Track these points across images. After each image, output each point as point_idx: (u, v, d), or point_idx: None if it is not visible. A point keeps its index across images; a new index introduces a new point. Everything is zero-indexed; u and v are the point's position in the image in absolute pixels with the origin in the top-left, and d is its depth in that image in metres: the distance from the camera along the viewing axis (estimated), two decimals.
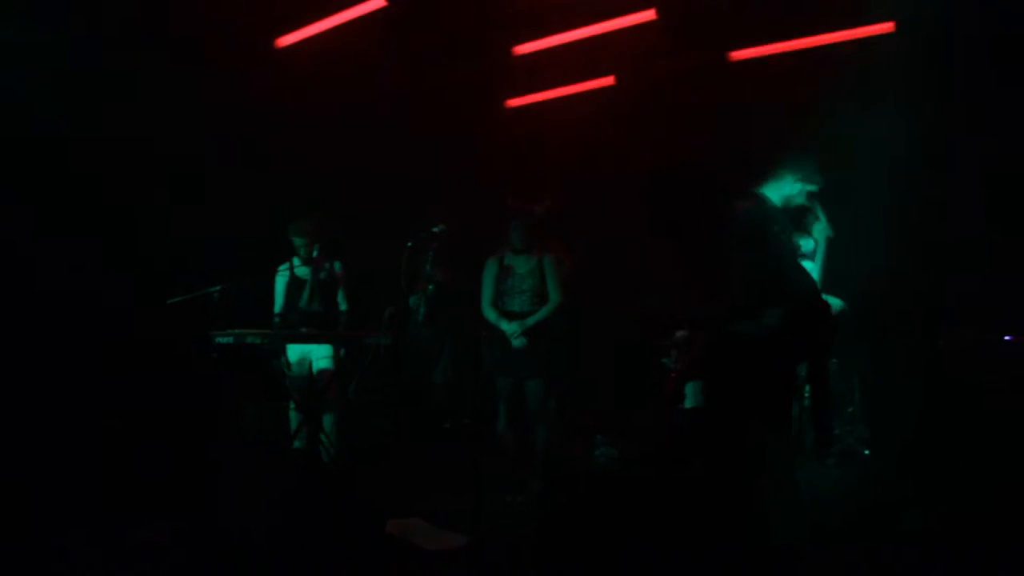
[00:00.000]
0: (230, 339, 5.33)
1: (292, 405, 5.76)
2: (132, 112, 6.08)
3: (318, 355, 5.90)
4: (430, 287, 5.84)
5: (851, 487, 5.55)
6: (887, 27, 5.90)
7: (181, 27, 5.88)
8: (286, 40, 6.39)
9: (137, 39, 5.95)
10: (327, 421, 5.73)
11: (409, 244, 5.79)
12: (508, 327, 5.50)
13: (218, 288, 5.49)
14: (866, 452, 6.23)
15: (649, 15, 6.07)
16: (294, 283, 5.98)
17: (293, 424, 5.70)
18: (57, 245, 5.73)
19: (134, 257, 6.02)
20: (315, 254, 5.95)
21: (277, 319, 5.95)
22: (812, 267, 5.00)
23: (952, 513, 4.40)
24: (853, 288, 5.88)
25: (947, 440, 5.34)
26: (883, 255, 6.05)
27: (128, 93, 6.11)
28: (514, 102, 7.56)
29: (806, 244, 5.25)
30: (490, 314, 5.62)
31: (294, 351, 5.90)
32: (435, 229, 5.76)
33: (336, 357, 5.90)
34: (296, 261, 5.95)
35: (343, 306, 6.05)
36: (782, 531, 2.99)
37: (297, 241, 5.91)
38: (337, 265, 6.05)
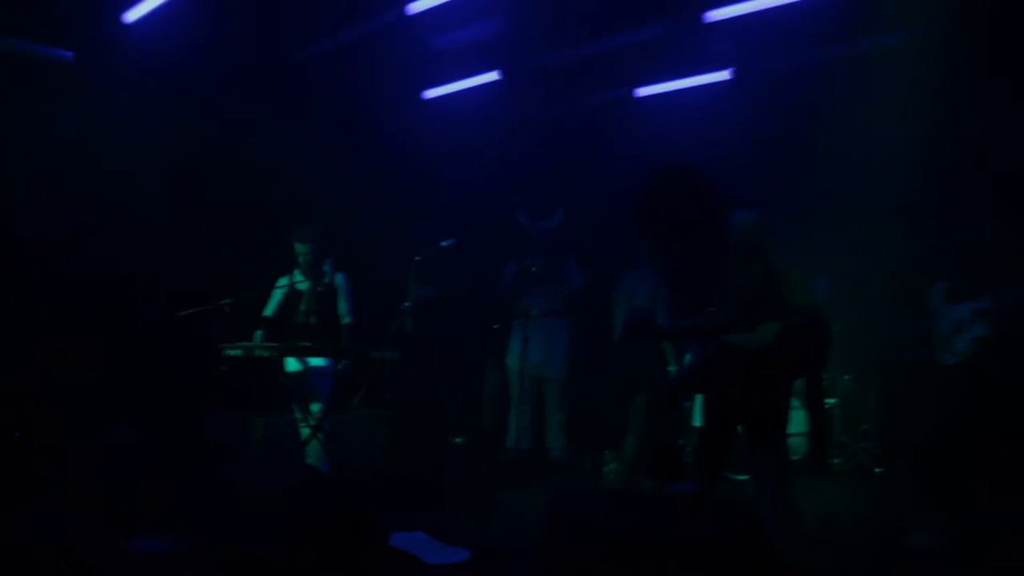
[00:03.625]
0: (239, 352, 5.34)
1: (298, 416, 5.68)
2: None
3: (315, 367, 5.72)
4: (406, 303, 5.80)
5: (860, 505, 5.48)
6: None
7: None
8: None
9: None
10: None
11: (417, 258, 5.81)
12: None
13: (229, 300, 5.51)
14: (877, 470, 6.16)
15: None
16: (293, 295, 5.78)
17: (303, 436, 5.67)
18: (72, 255, 5.78)
19: (145, 268, 6.04)
20: (326, 267, 5.73)
21: (262, 327, 5.70)
22: None
23: (961, 532, 4.32)
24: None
25: (961, 456, 5.25)
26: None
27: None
28: None
29: None
30: None
31: (291, 363, 5.72)
32: (444, 244, 5.75)
33: (334, 370, 5.70)
34: (297, 274, 5.74)
35: (346, 319, 5.75)
36: (778, 550, 2.94)
37: (299, 248, 5.65)
38: (339, 277, 5.77)
